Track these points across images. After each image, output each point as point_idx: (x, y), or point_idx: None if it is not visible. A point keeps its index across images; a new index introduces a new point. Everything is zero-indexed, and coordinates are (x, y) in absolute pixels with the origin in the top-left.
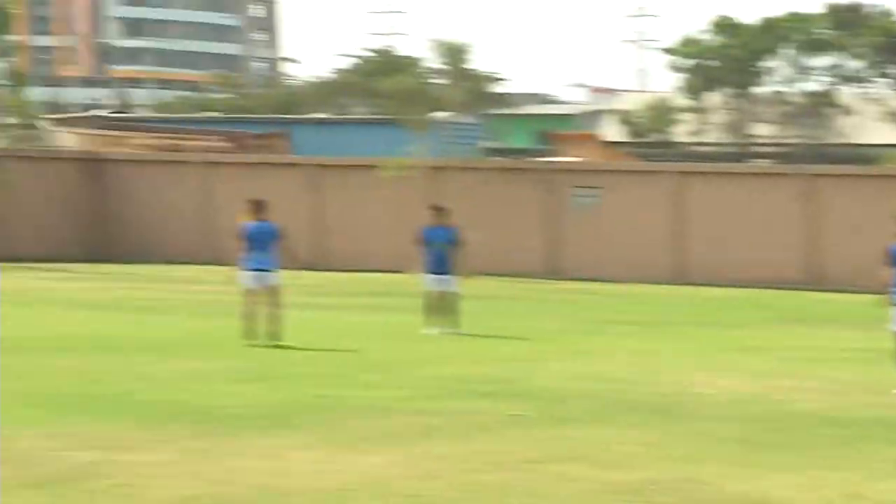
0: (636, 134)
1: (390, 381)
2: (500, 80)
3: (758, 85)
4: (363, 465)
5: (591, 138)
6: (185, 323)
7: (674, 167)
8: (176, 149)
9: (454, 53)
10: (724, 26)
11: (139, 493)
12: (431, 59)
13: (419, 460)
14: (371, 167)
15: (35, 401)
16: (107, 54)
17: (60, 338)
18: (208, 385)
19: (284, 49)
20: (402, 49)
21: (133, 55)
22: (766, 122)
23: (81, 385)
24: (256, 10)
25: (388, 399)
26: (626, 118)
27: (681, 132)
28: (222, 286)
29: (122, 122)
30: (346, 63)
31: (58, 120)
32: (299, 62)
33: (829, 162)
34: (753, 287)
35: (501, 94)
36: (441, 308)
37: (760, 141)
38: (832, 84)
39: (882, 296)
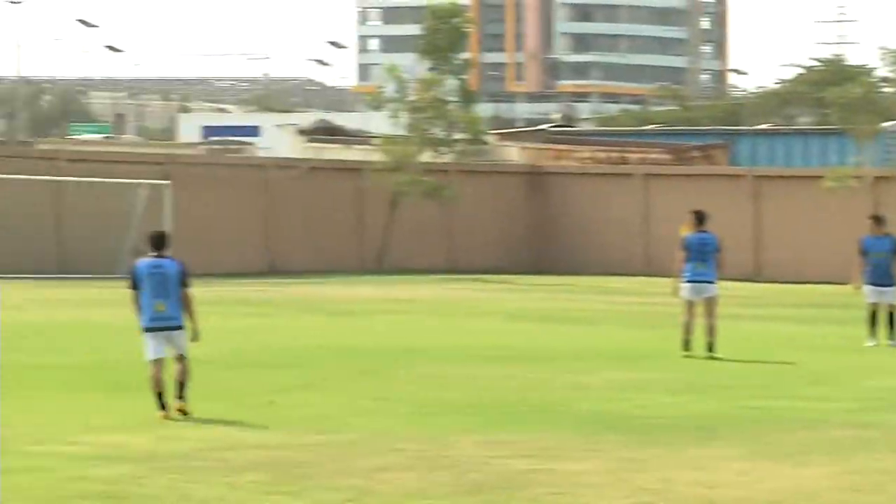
0: None
1: (826, 393)
2: None
3: None
4: (794, 477)
5: None
6: (620, 334)
7: None
8: (622, 161)
9: None
10: None
11: (575, 501)
12: (882, 68)
13: (853, 474)
14: (813, 177)
15: (474, 409)
16: (555, 69)
17: (500, 348)
18: (642, 395)
19: (731, 60)
20: (852, 58)
21: (580, 70)
22: None
23: (519, 394)
24: (704, 23)
25: (823, 411)
26: None
27: None
28: (658, 297)
29: (566, 136)
30: (793, 73)
31: (503, 135)
32: (745, 73)
33: None
34: None
35: None
36: (882, 319)
37: None
38: None
39: None
